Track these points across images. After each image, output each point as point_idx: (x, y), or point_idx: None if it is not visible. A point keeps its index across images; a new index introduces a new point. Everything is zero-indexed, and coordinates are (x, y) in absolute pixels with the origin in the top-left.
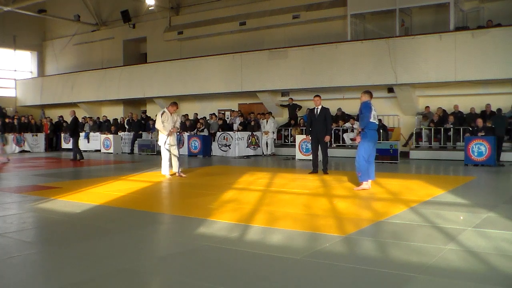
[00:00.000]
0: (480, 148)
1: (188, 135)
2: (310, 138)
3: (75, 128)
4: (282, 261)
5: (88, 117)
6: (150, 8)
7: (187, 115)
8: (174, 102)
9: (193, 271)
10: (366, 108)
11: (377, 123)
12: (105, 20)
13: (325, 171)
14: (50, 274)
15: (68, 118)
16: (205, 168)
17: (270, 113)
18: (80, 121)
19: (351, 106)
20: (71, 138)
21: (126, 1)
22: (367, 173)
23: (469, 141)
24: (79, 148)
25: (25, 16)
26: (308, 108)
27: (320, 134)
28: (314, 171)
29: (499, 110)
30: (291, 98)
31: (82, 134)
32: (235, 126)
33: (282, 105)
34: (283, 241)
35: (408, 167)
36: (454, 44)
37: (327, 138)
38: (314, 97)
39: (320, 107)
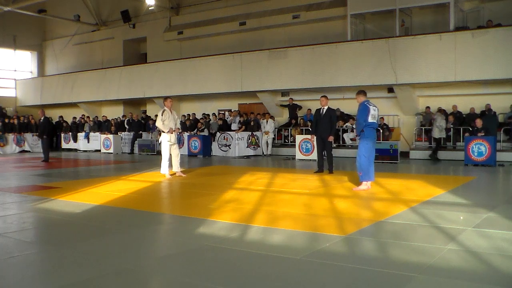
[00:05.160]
0: (480, 148)
1: (188, 135)
2: (315, 138)
3: (46, 129)
4: (282, 261)
5: (107, 117)
6: (150, 8)
7: (189, 115)
8: (166, 96)
9: (193, 271)
10: (362, 111)
11: (376, 122)
12: (105, 20)
13: (330, 171)
14: (50, 274)
15: (69, 118)
16: (205, 168)
17: (268, 114)
18: (79, 120)
19: (351, 106)
20: (41, 139)
21: (126, 1)
22: (368, 173)
23: (469, 141)
24: (48, 150)
25: (25, 16)
26: (309, 109)
27: (325, 133)
28: (320, 170)
29: (489, 110)
30: (291, 98)
31: (82, 134)
32: (235, 126)
33: (282, 105)
34: (283, 241)
35: (408, 167)
36: (454, 44)
37: (330, 138)
38: (321, 97)
39: (326, 107)
